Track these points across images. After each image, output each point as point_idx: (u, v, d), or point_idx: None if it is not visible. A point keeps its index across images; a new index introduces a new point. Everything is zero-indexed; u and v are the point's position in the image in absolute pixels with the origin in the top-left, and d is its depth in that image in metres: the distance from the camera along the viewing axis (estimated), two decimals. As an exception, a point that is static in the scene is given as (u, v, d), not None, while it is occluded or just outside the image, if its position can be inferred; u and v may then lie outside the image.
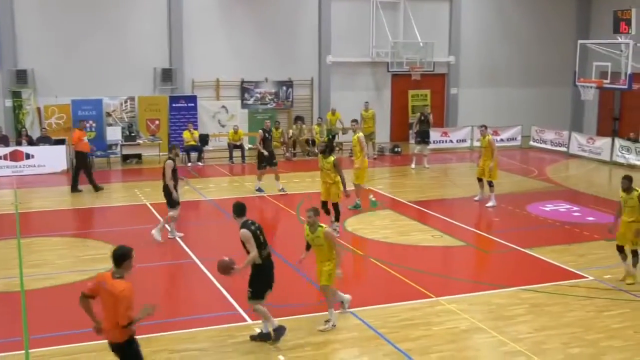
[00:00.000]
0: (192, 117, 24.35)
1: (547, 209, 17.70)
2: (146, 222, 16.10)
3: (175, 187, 14.52)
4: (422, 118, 23.78)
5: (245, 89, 26.77)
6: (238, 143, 24.48)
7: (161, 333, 9.80)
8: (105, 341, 7.54)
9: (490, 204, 17.76)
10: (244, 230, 9.46)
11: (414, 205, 17.98)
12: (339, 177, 14.80)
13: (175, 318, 10.49)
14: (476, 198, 18.42)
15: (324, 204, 14.94)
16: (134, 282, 12.09)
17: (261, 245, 9.60)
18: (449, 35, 29.49)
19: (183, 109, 25.26)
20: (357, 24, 27.92)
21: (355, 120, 18.55)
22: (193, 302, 11.44)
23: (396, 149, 26.58)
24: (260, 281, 9.61)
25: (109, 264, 12.27)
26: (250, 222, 9.63)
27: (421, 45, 27.29)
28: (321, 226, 10.10)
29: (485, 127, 18.56)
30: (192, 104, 25.39)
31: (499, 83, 30.49)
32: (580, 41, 23.29)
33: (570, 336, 9.98)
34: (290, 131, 25.77)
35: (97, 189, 19.61)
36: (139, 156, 24.28)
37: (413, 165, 23.46)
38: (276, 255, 13.54)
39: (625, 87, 19.47)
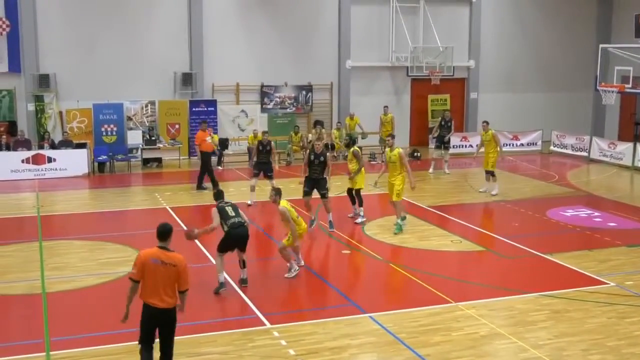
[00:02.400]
0: (212, 122, 24.42)
1: (567, 214, 17.59)
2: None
3: None
4: (443, 123, 23.68)
5: (265, 93, 26.86)
6: (258, 147, 24.51)
7: (182, 336, 9.82)
8: (125, 344, 7.59)
9: (494, 192, 19.40)
10: (213, 209, 11.89)
11: (433, 210, 17.94)
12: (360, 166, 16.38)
13: (196, 322, 10.52)
14: (481, 189, 19.77)
15: (349, 191, 16.78)
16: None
17: (227, 217, 11.80)
18: (469, 40, 29.41)
19: (203, 113, 25.37)
20: (377, 28, 27.93)
21: (392, 136, 17.51)
22: (213, 305, 11.48)
23: (415, 154, 26.52)
24: (223, 242, 11.94)
25: (131, 267, 12.40)
26: (223, 202, 12.07)
27: (441, 50, 27.24)
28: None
29: (487, 123, 20.26)
30: (212, 108, 25.52)
31: (519, 87, 30.35)
32: (601, 45, 23.15)
33: (591, 343, 9.91)
34: (310, 135, 25.80)
35: (216, 187, 19.96)
36: (159, 160, 24.44)
37: (431, 170, 23.42)
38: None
39: (647, 91, 19.32)
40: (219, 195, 12.42)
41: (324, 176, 15.86)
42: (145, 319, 8.11)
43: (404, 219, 15.95)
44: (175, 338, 9.09)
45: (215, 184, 20.36)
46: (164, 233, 8.10)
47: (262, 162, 18.94)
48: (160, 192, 20.00)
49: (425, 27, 28.05)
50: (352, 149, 16.58)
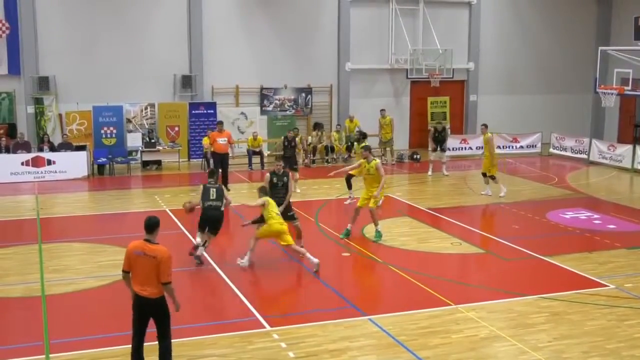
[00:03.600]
0: (212, 124, 24.39)
1: (567, 216, 17.59)
2: (166, 228, 16.13)
3: None
4: (436, 135, 23.64)
5: (264, 95, 26.87)
6: (257, 149, 24.55)
7: (182, 339, 9.84)
8: (125, 346, 7.58)
9: (501, 194, 19.50)
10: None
11: (433, 213, 17.94)
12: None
13: (196, 324, 10.52)
14: (483, 192, 19.78)
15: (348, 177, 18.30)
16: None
17: (206, 198, 13.45)
18: (468, 42, 29.44)
19: (202, 115, 25.40)
20: (376, 30, 27.96)
21: (368, 148, 15.94)
22: (213, 308, 11.49)
23: (415, 156, 26.53)
24: (200, 219, 13.53)
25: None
26: (211, 183, 13.63)
27: (440, 52, 27.26)
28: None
29: (486, 126, 20.28)
30: (212, 111, 25.52)
31: (518, 90, 30.37)
32: (600, 47, 23.18)
33: (591, 345, 9.90)
34: (309, 138, 25.82)
35: (226, 188, 20.09)
36: (158, 162, 24.44)
37: (430, 172, 23.42)
38: (296, 262, 13.64)
39: (647, 94, 19.34)
40: (210, 174, 14.05)
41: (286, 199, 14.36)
42: (134, 307, 8.60)
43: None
44: (175, 340, 9.12)
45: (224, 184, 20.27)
46: (150, 226, 8.48)
47: (287, 156, 20.17)
48: (159, 194, 20.01)
49: (425, 29, 28.08)
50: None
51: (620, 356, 9.56)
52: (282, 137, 21.77)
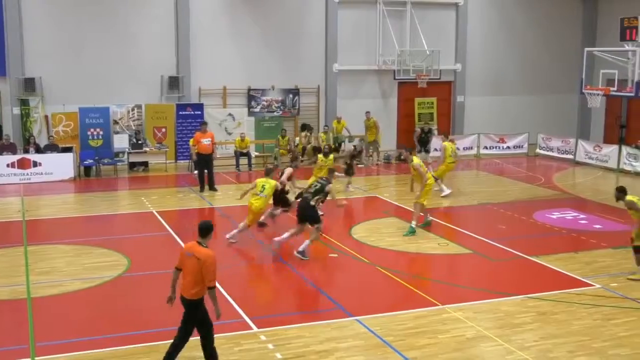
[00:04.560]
0: (199, 126, 24.32)
1: (553, 216, 17.67)
2: (153, 230, 16.18)
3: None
4: (422, 135, 23.78)
5: (251, 96, 26.84)
6: (245, 151, 24.51)
7: (169, 341, 9.81)
8: (112, 349, 7.54)
9: (443, 193, 19.89)
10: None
11: (420, 213, 17.93)
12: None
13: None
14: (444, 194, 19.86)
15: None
16: (143, 290, 12.18)
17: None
18: (455, 43, 29.53)
19: (190, 116, 25.33)
20: (364, 32, 27.98)
21: (406, 149, 17.74)
22: (199, 309, 11.44)
23: (402, 157, 26.54)
24: None
25: (117, 272, 12.39)
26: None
27: (427, 53, 27.32)
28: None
29: (446, 135, 21.26)
30: (199, 112, 25.47)
31: (505, 90, 30.49)
32: (586, 49, 23.31)
33: (577, 344, 9.95)
34: (297, 139, 25.81)
35: (213, 189, 20.53)
36: (145, 164, 24.34)
37: (417, 173, 23.48)
38: (284, 264, 13.63)
39: (632, 94, 19.44)
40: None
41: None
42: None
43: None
44: (164, 342, 9.15)
45: (201, 187, 20.37)
46: (202, 229, 8.76)
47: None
48: (146, 196, 19.94)
49: (412, 30, 28.12)
50: (413, 163, 16.11)
51: (605, 355, 9.62)
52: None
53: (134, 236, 15.82)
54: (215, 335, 10.17)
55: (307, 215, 14.04)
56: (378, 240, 15.36)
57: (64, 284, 12.44)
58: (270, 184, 14.88)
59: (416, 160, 16.23)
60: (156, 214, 17.70)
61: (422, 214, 16.33)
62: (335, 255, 14.36)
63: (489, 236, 15.68)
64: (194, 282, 8.56)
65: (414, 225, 15.95)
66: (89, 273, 13.01)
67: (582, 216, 17.78)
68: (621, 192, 12.95)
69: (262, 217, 15.79)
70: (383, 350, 9.70)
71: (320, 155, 18.97)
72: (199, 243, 8.73)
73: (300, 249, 13.85)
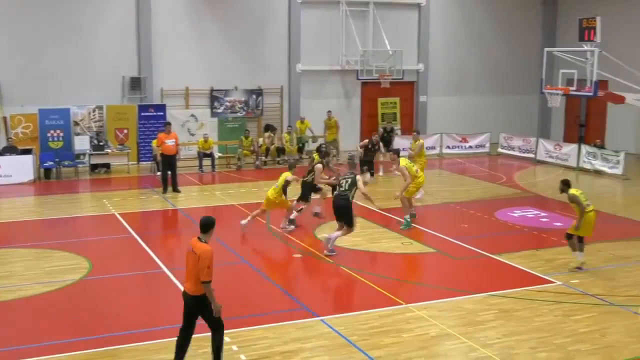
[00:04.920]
0: (161, 126, 24.11)
1: (515, 215, 17.86)
2: (115, 232, 15.99)
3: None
4: (385, 135, 23.88)
5: (214, 97, 26.70)
6: (208, 152, 24.37)
7: (133, 344, 9.73)
8: (71, 353, 7.44)
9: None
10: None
11: (384, 213, 18.03)
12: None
13: (147, 329, 10.40)
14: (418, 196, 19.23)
15: None
16: (105, 293, 12.03)
17: (339, 187, 14.50)
18: (418, 43, 29.72)
19: (152, 117, 25.12)
20: (327, 32, 28.02)
21: (394, 151, 18.30)
22: (163, 312, 11.34)
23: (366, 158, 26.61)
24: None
25: (78, 275, 12.24)
26: (347, 174, 14.54)
27: (390, 54, 27.46)
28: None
29: (418, 132, 21.30)
30: (161, 113, 25.25)
31: (467, 90, 30.78)
32: (546, 49, 23.62)
33: (539, 341, 10.07)
34: (261, 139, 25.75)
35: (176, 190, 20.35)
36: (107, 166, 24.07)
37: (381, 173, 23.59)
38: (247, 265, 13.58)
39: (591, 94, 19.75)
40: (351, 166, 15.13)
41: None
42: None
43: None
44: (126, 346, 9.05)
45: (164, 189, 20.22)
46: (203, 225, 8.80)
47: (367, 160, 21.72)
48: (108, 198, 19.71)
49: (375, 31, 28.24)
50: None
51: (566, 351, 9.75)
52: (366, 141, 22.29)
53: (95, 239, 15.63)
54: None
55: (346, 215, 14.23)
56: (342, 241, 15.34)
57: (24, 289, 12.22)
58: (283, 176, 15.87)
59: (403, 162, 16.61)
60: (118, 216, 17.51)
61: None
62: (300, 255, 14.35)
63: (452, 235, 15.80)
64: (194, 277, 8.61)
65: (408, 219, 16.40)
66: (49, 277, 12.82)
67: (543, 214, 18.01)
68: (565, 185, 13.42)
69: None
70: (348, 350, 9.71)
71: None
72: (199, 239, 8.76)
73: (330, 245, 14.16)
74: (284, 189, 16.05)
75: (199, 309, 8.80)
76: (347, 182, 14.37)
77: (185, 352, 8.98)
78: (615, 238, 15.71)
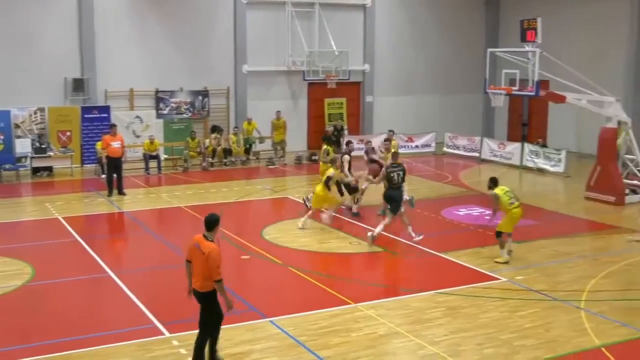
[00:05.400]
0: (106, 128, 23.73)
1: (460, 213, 18.10)
2: (58, 237, 15.68)
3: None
4: (335, 132, 23.95)
5: (160, 98, 26.40)
6: (154, 153, 24.07)
7: (79, 350, 9.56)
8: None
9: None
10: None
11: (332, 213, 18.05)
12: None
13: (93, 334, 10.22)
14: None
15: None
16: (50, 298, 11.78)
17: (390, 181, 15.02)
18: (364, 44, 29.89)
19: (96, 119, 24.70)
20: (273, 33, 27.96)
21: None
22: (110, 317, 11.17)
23: (313, 157, 26.70)
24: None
25: (21, 281, 11.98)
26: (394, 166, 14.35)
27: (336, 54, 27.55)
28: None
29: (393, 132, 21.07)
30: (105, 115, 24.85)
31: (413, 91, 31.07)
32: (489, 49, 23.99)
33: (485, 337, 10.23)
34: (207, 141, 25.55)
35: (121, 193, 20.06)
36: (49, 169, 23.57)
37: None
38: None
39: (533, 93, 20.08)
40: (394, 157, 15.85)
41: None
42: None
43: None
44: (74, 351, 8.89)
45: (110, 192, 19.93)
46: (208, 223, 8.84)
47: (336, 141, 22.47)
48: (51, 201, 19.31)
49: (321, 31, 28.31)
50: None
51: (512, 346, 9.92)
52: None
53: (38, 244, 15.29)
54: (127, 342, 10.00)
55: (399, 205, 14.96)
56: (290, 241, 15.37)
57: (-36, 296, 11.91)
58: (326, 173, 16.47)
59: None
60: (62, 220, 17.17)
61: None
62: (247, 257, 14.29)
63: (399, 234, 15.92)
64: (202, 274, 8.72)
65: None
66: (-10, 283, 12.50)
67: (487, 212, 18.19)
68: (492, 182, 14.12)
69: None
70: (297, 351, 9.71)
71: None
72: (205, 237, 8.81)
73: (375, 234, 14.78)
74: (327, 185, 16.58)
75: (203, 304, 8.94)
76: (399, 175, 15.09)
77: (203, 351, 9.06)
78: (558, 235, 16.05)
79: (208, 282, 8.73)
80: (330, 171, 16.61)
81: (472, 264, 13.72)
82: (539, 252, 14.63)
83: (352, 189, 17.78)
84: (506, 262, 13.72)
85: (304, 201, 17.95)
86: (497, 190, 13.87)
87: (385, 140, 19.35)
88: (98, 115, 24.78)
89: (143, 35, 26.00)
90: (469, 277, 12.94)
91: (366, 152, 18.56)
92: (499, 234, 13.91)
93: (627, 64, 26.20)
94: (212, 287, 8.76)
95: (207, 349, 9.09)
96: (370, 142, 20.77)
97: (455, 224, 17.04)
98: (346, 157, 17.57)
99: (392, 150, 18.07)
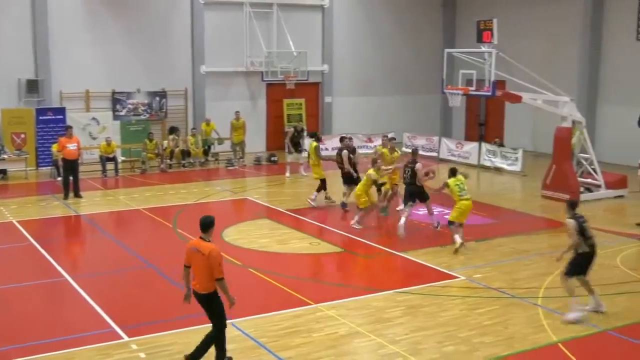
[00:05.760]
0: (61, 130, 23.35)
1: (420, 212, 18.16)
2: (13, 241, 15.39)
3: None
4: (296, 134, 23.88)
5: (116, 100, 26.09)
6: (111, 155, 23.76)
7: (37, 355, 9.40)
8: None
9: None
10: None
11: (291, 214, 18.08)
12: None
13: (51, 339, 10.05)
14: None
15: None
16: (5, 303, 11.55)
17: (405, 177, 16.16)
18: (322, 45, 29.92)
19: (51, 121, 24.30)
20: (231, 33, 27.83)
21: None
22: (68, 321, 11.00)
23: (272, 158, 26.66)
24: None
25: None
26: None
27: (295, 55, 27.53)
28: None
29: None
30: (61, 116, 24.46)
31: (371, 91, 31.21)
32: (446, 50, 24.20)
33: (445, 335, 10.31)
34: (165, 142, 25.32)
35: (78, 195, 19.73)
36: (3, 172, 23.10)
37: (288, 174, 23.57)
38: (153, 269, 13.34)
39: (489, 93, 20.30)
40: (414, 153, 16.98)
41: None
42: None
43: None
44: (31, 357, 8.75)
45: (66, 194, 19.64)
46: (204, 225, 9.03)
47: (296, 142, 23.63)
48: (5, 205, 18.93)
49: (279, 32, 28.27)
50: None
51: (471, 343, 10.01)
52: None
53: (-8, 248, 15.00)
54: (84, 347, 9.86)
55: (421, 194, 16.20)
56: (250, 242, 15.31)
57: None
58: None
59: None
60: (16, 223, 16.85)
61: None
62: (208, 259, 14.16)
63: (359, 234, 15.97)
64: (203, 276, 8.90)
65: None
66: (-57, 289, 12.22)
67: (447, 211, 18.33)
68: (451, 172, 15.21)
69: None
70: (258, 352, 9.67)
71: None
72: (202, 238, 8.99)
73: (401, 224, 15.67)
74: (375, 184, 17.09)
75: (206, 306, 9.09)
76: (408, 172, 16.05)
77: (223, 347, 9.21)
78: (515, 233, 16.26)
79: (210, 283, 8.90)
80: (371, 172, 16.65)
81: (432, 263, 13.83)
82: (496, 250, 14.82)
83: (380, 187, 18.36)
84: (461, 245, 14.46)
85: (342, 205, 18.44)
86: (450, 180, 14.86)
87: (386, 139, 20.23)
88: (53, 117, 24.39)
89: (99, 35, 25.65)
90: (429, 276, 13.04)
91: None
92: (451, 223, 14.74)
93: (580, 63, 26.71)
94: (213, 288, 8.94)
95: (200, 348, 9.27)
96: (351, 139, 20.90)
97: (415, 224, 17.13)
98: (345, 152, 17.97)
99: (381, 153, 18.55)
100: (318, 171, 19.41)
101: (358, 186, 16.86)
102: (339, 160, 18.38)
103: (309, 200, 18.88)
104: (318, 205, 18.78)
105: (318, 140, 20.30)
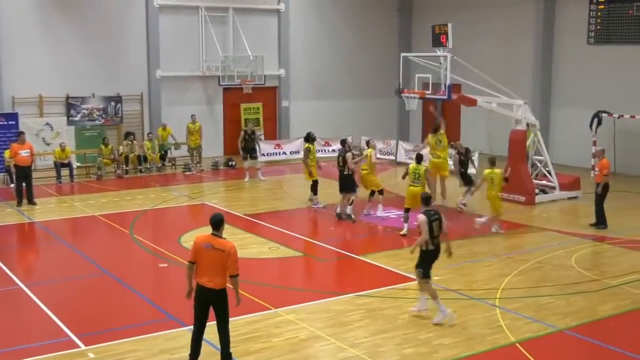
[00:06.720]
0: (14, 136, 22.89)
1: (382, 215, 18.26)
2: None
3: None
4: (247, 137, 23.70)
5: (71, 104, 25.70)
6: (66, 161, 23.38)
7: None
8: None
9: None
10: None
11: (250, 219, 18.01)
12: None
13: (5, 349, 9.85)
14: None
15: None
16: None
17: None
18: (279, 49, 29.89)
19: (3, 127, 23.80)
20: (186, 37, 27.64)
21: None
22: (23, 330, 10.79)
23: (230, 163, 26.53)
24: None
25: None
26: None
27: (251, 59, 27.45)
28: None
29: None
30: (13, 122, 23.96)
31: (329, 95, 31.27)
32: (402, 54, 24.39)
33: (404, 337, 10.37)
34: (121, 147, 25.02)
35: (32, 202, 19.42)
36: (-46, 179, 22.63)
37: (247, 179, 23.48)
38: (110, 277, 13.16)
39: (445, 97, 20.50)
40: (418, 159, 16.83)
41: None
42: (197, 298, 9.16)
43: None
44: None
45: (19, 201, 19.29)
46: (216, 222, 9.12)
47: (250, 147, 23.61)
48: (-43, 213, 18.53)
49: (235, 36, 28.17)
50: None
51: (431, 345, 10.08)
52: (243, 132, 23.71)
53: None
54: (41, 356, 9.70)
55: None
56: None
57: None
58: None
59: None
60: (-32, 232, 16.50)
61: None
62: (165, 265, 14.05)
63: (319, 238, 16.00)
64: (217, 272, 8.97)
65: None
66: None
67: (399, 212, 18.50)
68: (417, 157, 16.62)
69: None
70: (217, 358, 9.58)
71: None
72: (216, 235, 9.08)
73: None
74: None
75: (219, 302, 9.13)
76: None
77: (227, 345, 9.32)
78: (472, 235, 16.43)
79: (223, 279, 9.01)
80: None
81: (391, 265, 13.89)
82: (454, 252, 14.88)
83: (469, 182, 19.37)
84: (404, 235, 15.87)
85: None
86: (411, 165, 16.43)
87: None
88: (5, 123, 23.88)
89: (52, 39, 25.24)
90: (388, 279, 13.10)
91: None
92: (407, 210, 16.17)
93: (534, 67, 27.15)
94: (226, 284, 9.05)
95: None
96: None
97: (373, 227, 17.21)
98: (349, 154, 18.08)
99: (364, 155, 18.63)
100: (315, 172, 19.50)
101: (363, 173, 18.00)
102: (340, 162, 18.17)
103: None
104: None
105: (313, 141, 20.06)
